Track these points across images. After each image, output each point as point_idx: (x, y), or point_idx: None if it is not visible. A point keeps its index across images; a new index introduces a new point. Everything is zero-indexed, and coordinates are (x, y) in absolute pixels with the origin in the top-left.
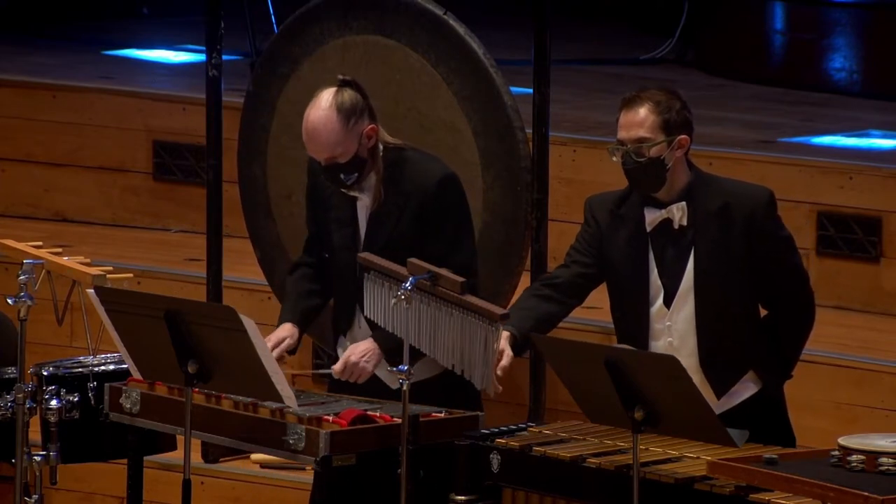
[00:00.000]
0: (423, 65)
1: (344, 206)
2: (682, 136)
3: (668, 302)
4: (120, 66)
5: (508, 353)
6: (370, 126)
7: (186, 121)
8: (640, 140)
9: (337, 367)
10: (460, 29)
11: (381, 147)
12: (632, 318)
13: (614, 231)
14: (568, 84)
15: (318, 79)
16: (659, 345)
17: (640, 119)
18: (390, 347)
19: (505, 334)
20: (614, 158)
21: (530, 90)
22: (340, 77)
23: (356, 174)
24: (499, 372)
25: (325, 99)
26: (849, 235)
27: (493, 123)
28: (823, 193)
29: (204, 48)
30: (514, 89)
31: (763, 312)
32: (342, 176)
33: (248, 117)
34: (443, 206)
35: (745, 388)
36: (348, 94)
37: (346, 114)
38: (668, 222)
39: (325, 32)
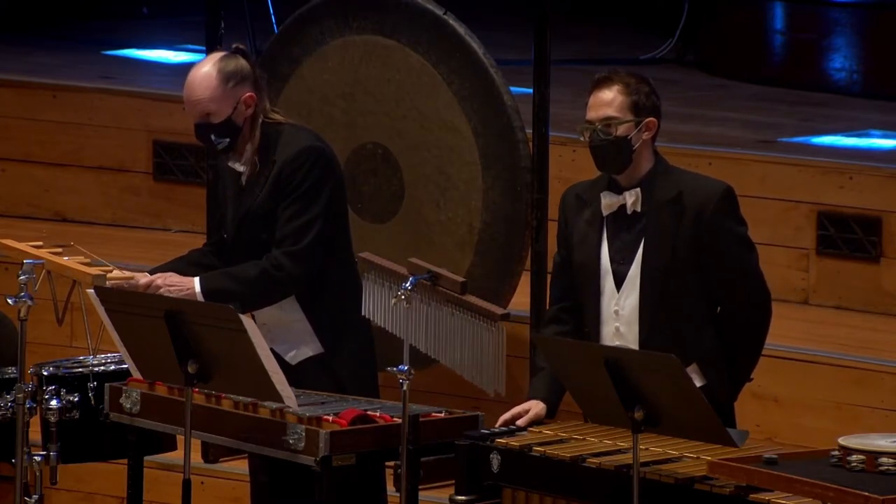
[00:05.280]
0: (423, 65)
1: (233, 185)
2: (650, 119)
3: (617, 287)
4: (120, 66)
5: (533, 414)
6: (249, 94)
7: (186, 121)
8: (609, 119)
9: (143, 281)
10: (460, 29)
11: (261, 120)
12: (587, 302)
13: (578, 214)
14: (568, 84)
15: (318, 79)
16: (608, 330)
17: (609, 99)
18: (212, 294)
19: (541, 405)
20: (582, 138)
21: (530, 90)
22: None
23: (227, 139)
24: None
25: (210, 59)
26: (849, 235)
27: (493, 123)
28: (823, 193)
29: (204, 48)
30: (514, 89)
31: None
32: (212, 137)
33: None
34: (294, 176)
35: None
36: (234, 60)
37: (227, 75)
38: (624, 208)
39: (324, 32)
